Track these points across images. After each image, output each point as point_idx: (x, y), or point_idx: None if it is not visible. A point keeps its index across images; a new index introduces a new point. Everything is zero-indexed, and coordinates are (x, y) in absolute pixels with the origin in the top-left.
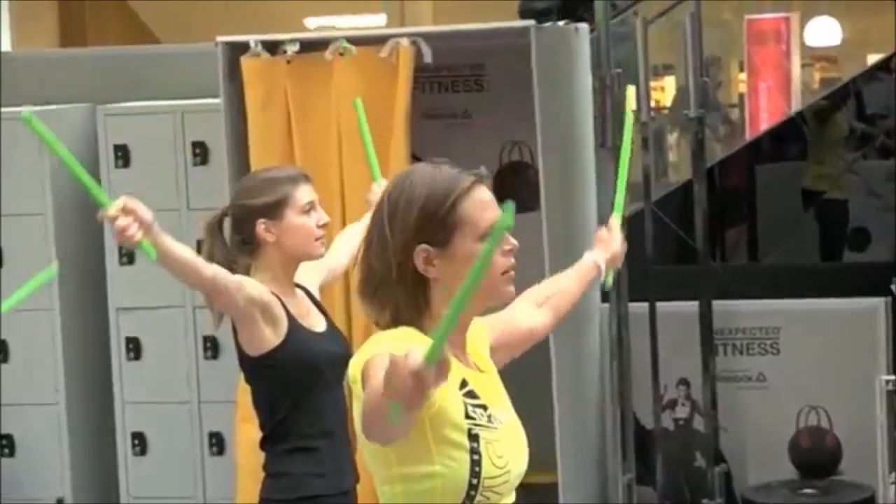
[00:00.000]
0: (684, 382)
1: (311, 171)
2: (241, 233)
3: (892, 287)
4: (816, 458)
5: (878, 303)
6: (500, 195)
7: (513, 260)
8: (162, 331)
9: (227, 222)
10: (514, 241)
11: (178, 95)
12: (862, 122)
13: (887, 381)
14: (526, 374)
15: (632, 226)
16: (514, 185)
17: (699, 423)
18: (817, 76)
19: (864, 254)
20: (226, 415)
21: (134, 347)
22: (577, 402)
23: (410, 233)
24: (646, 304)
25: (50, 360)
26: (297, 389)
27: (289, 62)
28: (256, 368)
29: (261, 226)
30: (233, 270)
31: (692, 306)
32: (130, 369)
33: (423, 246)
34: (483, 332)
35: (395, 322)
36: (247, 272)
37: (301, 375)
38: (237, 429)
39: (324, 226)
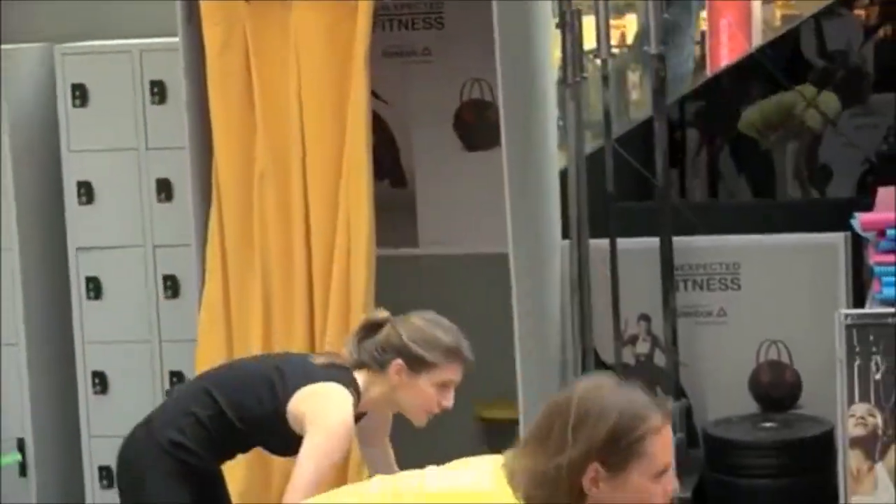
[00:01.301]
0: (645, 318)
1: (270, 112)
2: (381, 353)
3: (852, 223)
4: (776, 392)
5: (838, 238)
6: (462, 133)
7: (668, 496)
8: (122, 270)
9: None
10: (677, 485)
11: (137, 34)
12: (823, 59)
13: (846, 316)
14: (487, 310)
15: (593, 163)
16: (475, 123)
17: (660, 359)
18: (779, 13)
19: (825, 190)
20: (186, 354)
21: (94, 287)
22: (538, 338)
23: (592, 448)
24: (606, 241)
25: (9, 300)
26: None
27: (248, 2)
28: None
29: (396, 366)
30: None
31: (653, 242)
32: (90, 309)
33: (597, 465)
34: None
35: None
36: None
37: None
38: (198, 368)
39: (442, 409)
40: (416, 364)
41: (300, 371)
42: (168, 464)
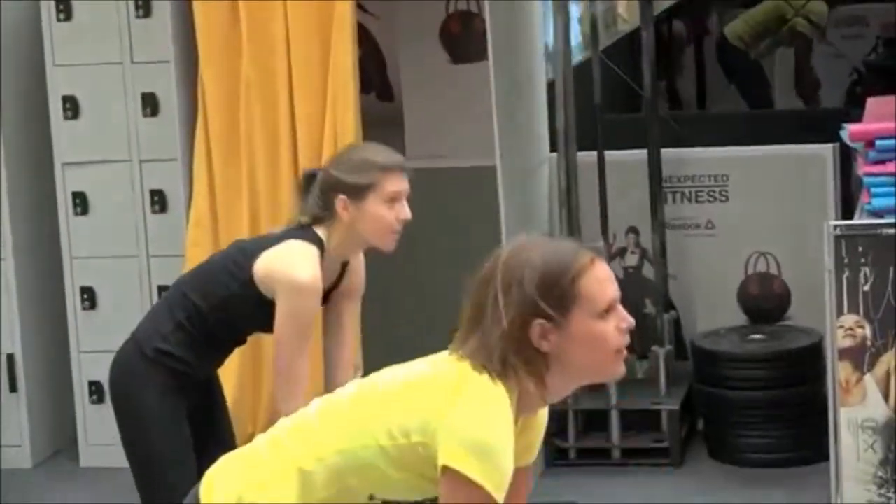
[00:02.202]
0: (633, 231)
1: (254, 26)
2: (322, 198)
3: (841, 133)
4: (765, 304)
5: (827, 149)
6: (448, 45)
7: (627, 338)
8: (108, 185)
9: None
10: (630, 319)
11: None
12: None
13: (835, 227)
14: (476, 224)
15: (580, 74)
16: (461, 35)
17: (648, 271)
18: None
19: (815, 101)
20: (174, 268)
21: (80, 202)
22: None
23: (526, 305)
24: (594, 153)
25: None
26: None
27: None
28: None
29: (341, 202)
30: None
31: (641, 154)
32: (77, 224)
33: (540, 321)
34: (541, 426)
35: (503, 375)
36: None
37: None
38: None
39: (402, 223)
40: (356, 191)
41: (260, 240)
42: (158, 376)
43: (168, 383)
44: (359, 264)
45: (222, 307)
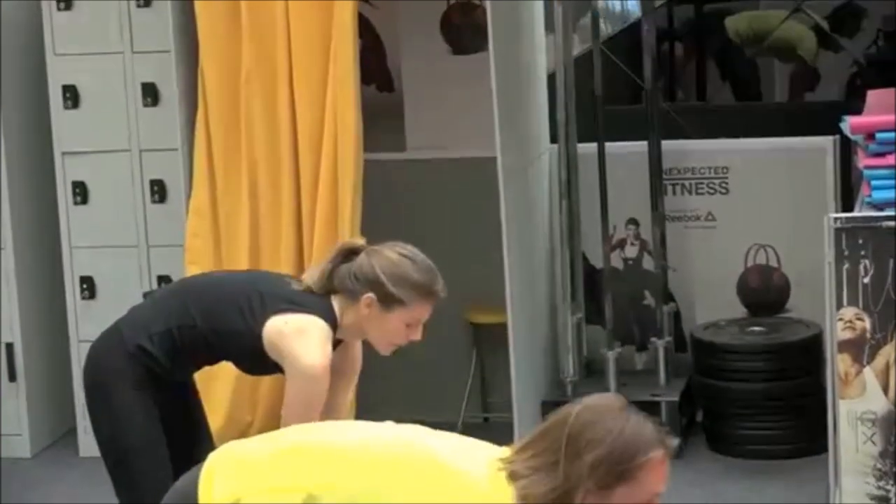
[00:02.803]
0: (633, 222)
1: (255, 16)
2: (354, 283)
3: (841, 126)
4: (765, 296)
5: (827, 142)
6: (449, 36)
7: None
8: (108, 174)
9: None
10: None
11: None
12: None
13: (835, 219)
14: (476, 215)
15: (581, 67)
16: (462, 26)
17: (648, 263)
18: None
19: (813, 93)
20: (174, 258)
21: (80, 191)
22: (527, 242)
23: (586, 473)
24: (594, 144)
25: None
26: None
27: None
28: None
29: (368, 299)
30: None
31: (641, 146)
32: (77, 213)
33: (589, 487)
34: None
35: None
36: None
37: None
38: (186, 271)
39: (408, 342)
40: (387, 300)
41: (279, 294)
42: (135, 371)
43: (142, 379)
44: (357, 350)
45: (219, 338)
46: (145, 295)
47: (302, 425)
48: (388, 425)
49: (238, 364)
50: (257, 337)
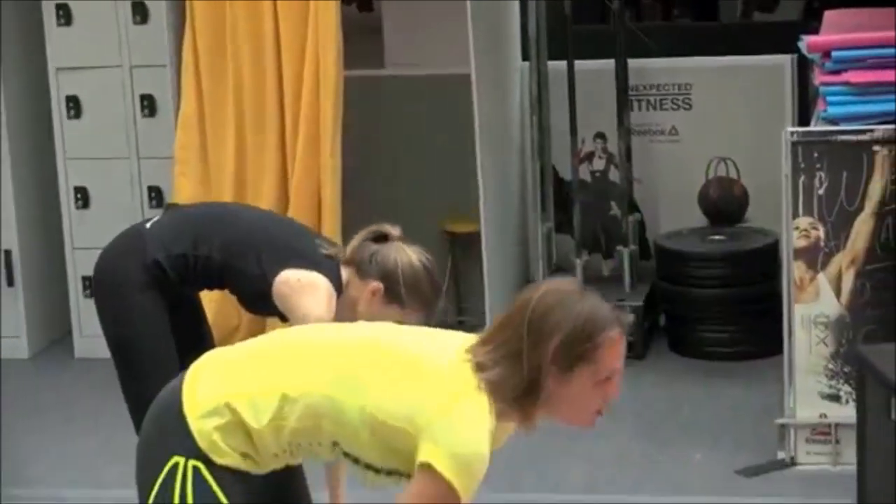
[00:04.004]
0: (601, 136)
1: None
2: (371, 264)
3: (799, 44)
4: (725, 206)
5: (785, 59)
6: None
7: (607, 402)
8: (100, 89)
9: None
10: (617, 393)
11: None
12: None
13: (792, 133)
14: (452, 130)
15: None
16: None
17: (614, 175)
18: None
19: (772, 14)
20: (164, 170)
21: (74, 105)
22: (500, 155)
23: (547, 357)
24: (564, 63)
25: None
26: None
27: None
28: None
29: (375, 288)
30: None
31: (608, 64)
32: (71, 126)
33: (553, 368)
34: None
35: (491, 391)
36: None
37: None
38: (175, 182)
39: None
40: (392, 296)
41: (298, 248)
42: (146, 278)
43: (152, 286)
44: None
45: (231, 273)
46: (167, 207)
47: (280, 330)
48: (361, 324)
49: (241, 300)
50: (268, 284)
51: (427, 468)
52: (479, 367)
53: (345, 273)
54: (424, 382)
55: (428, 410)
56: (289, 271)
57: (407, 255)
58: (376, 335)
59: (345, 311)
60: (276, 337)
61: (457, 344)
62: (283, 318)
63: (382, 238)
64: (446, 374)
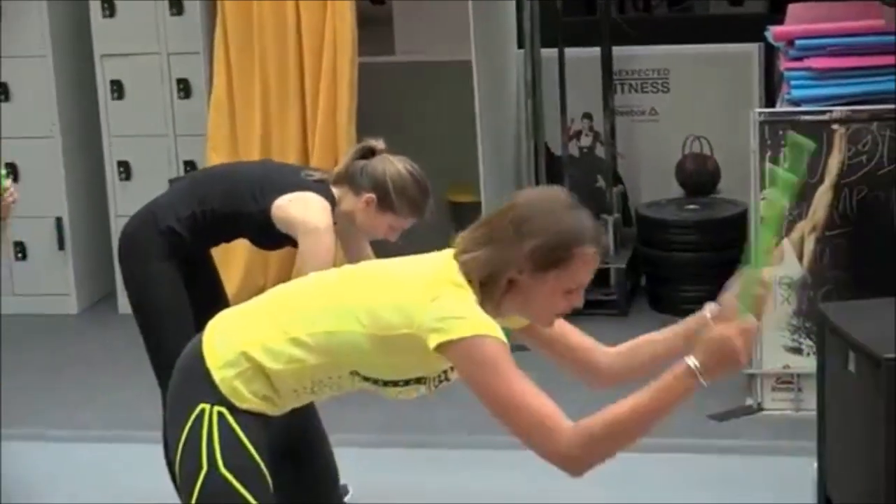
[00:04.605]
0: (588, 116)
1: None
2: (362, 177)
3: (766, 34)
4: (699, 179)
5: (753, 48)
6: None
7: (570, 308)
8: (141, 74)
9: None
10: (581, 303)
11: None
12: None
13: (760, 114)
14: (454, 110)
15: None
16: None
17: (600, 151)
18: None
19: (742, 7)
20: (197, 145)
21: (117, 88)
22: (498, 133)
23: (527, 252)
24: (555, 50)
25: (45, 100)
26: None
27: None
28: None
29: (368, 198)
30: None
31: (595, 52)
32: (115, 107)
33: (529, 265)
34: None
35: (466, 271)
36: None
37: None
38: (208, 156)
39: (392, 237)
40: (384, 204)
41: (284, 180)
42: (163, 245)
43: (170, 253)
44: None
45: (234, 218)
46: (171, 181)
47: (282, 284)
48: (347, 266)
49: (252, 240)
50: (267, 216)
51: (448, 346)
52: (461, 250)
53: (339, 191)
54: (406, 286)
55: (417, 308)
56: (280, 197)
57: (393, 164)
58: (356, 267)
59: (343, 224)
60: (279, 289)
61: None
62: (296, 245)
63: (370, 153)
64: (428, 271)
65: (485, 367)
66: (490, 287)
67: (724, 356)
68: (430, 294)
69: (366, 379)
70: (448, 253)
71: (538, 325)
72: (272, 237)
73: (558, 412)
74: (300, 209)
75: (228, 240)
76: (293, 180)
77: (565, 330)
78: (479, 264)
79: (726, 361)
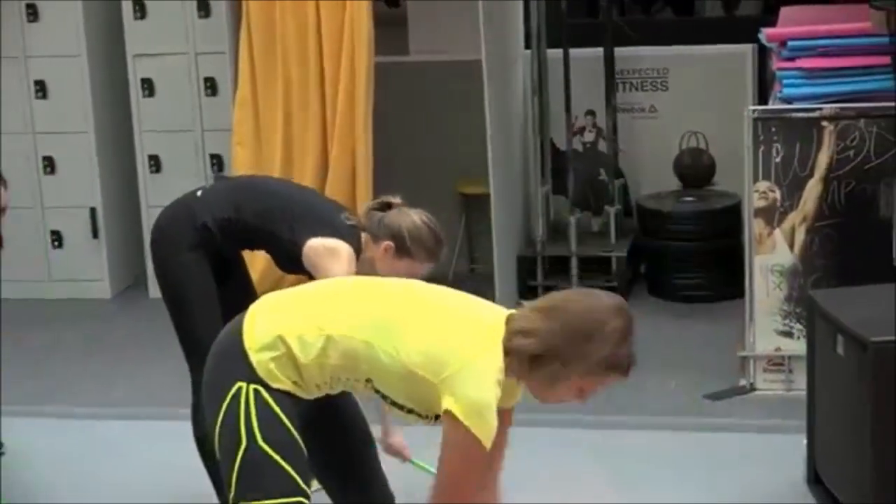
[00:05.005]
0: (591, 113)
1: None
2: (380, 228)
3: (759, 36)
4: (695, 172)
5: (748, 49)
6: None
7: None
8: (170, 72)
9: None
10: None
11: None
12: None
13: (753, 111)
14: (465, 107)
15: None
16: None
17: (603, 146)
18: None
19: (736, 10)
20: (223, 140)
21: (148, 86)
22: (506, 129)
23: (559, 348)
24: (560, 51)
25: (80, 97)
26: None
27: None
28: None
29: (386, 245)
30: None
31: (598, 52)
32: (146, 104)
33: (563, 360)
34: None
35: (512, 348)
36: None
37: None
38: (233, 151)
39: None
40: (402, 251)
41: (324, 219)
42: (195, 238)
43: (200, 246)
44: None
45: (267, 236)
46: (217, 178)
47: (331, 279)
48: (406, 280)
49: (275, 259)
50: (298, 248)
51: (449, 415)
52: (518, 329)
53: (364, 239)
54: (449, 338)
55: (450, 365)
56: (315, 239)
57: (409, 216)
58: (413, 287)
59: (366, 270)
60: (327, 283)
61: (491, 307)
62: (311, 277)
63: (387, 206)
64: (475, 330)
65: (459, 453)
66: (526, 364)
67: None
68: (466, 357)
69: (377, 391)
70: (502, 314)
71: (535, 400)
72: (295, 266)
73: None
74: (328, 260)
75: (253, 248)
76: (330, 222)
77: (503, 441)
78: (531, 351)
79: None
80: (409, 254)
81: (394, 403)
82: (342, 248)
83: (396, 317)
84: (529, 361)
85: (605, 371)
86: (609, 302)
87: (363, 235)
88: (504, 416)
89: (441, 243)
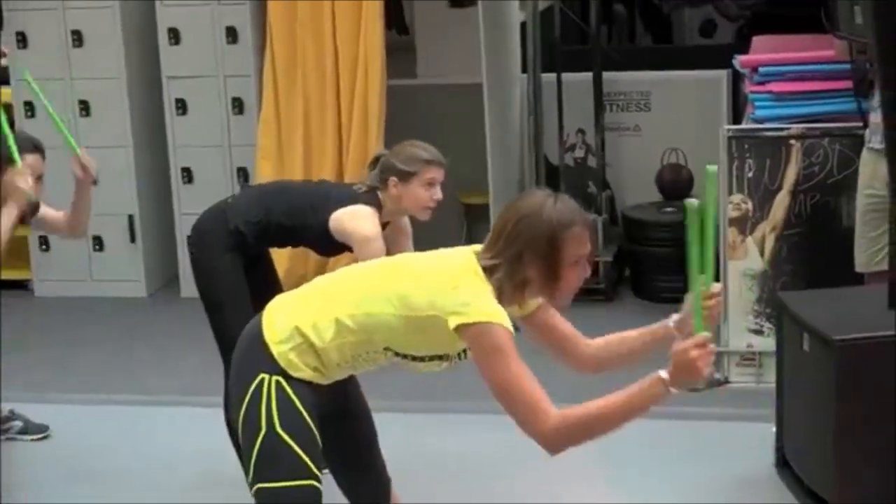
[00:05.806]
0: (581, 131)
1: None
2: (380, 176)
3: (733, 62)
4: (675, 186)
5: (722, 74)
6: None
7: (582, 280)
8: (201, 93)
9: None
10: (588, 272)
11: None
12: None
13: (728, 130)
14: (468, 125)
15: (545, 18)
16: None
17: (592, 161)
18: None
19: (712, 38)
20: (249, 154)
21: (181, 106)
22: (505, 146)
23: (527, 251)
24: (554, 75)
25: (119, 115)
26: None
27: None
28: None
29: (393, 181)
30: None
31: (587, 76)
32: (179, 122)
33: (532, 258)
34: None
35: (487, 268)
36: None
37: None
38: (258, 164)
39: (435, 202)
40: (405, 175)
41: (339, 196)
42: (229, 242)
43: (234, 249)
44: (404, 223)
45: (299, 230)
46: (243, 186)
47: (329, 273)
48: (385, 258)
49: (314, 248)
50: (325, 227)
51: (464, 328)
52: (485, 270)
53: (381, 196)
54: (432, 275)
55: (441, 294)
56: (335, 212)
57: (394, 149)
58: (392, 259)
59: (398, 225)
60: (327, 277)
61: (459, 249)
62: (350, 249)
63: (377, 160)
64: (452, 264)
65: (491, 350)
66: (506, 285)
67: (686, 369)
68: (453, 282)
69: (397, 354)
70: (469, 249)
71: (549, 307)
72: (332, 245)
73: (547, 399)
74: (353, 221)
75: (287, 246)
76: (346, 193)
77: (557, 321)
78: (503, 284)
79: (689, 373)
80: (410, 172)
81: (419, 359)
82: (361, 208)
83: (381, 282)
84: (514, 288)
85: (557, 239)
86: (541, 198)
87: (381, 194)
88: (533, 319)
89: (432, 148)
